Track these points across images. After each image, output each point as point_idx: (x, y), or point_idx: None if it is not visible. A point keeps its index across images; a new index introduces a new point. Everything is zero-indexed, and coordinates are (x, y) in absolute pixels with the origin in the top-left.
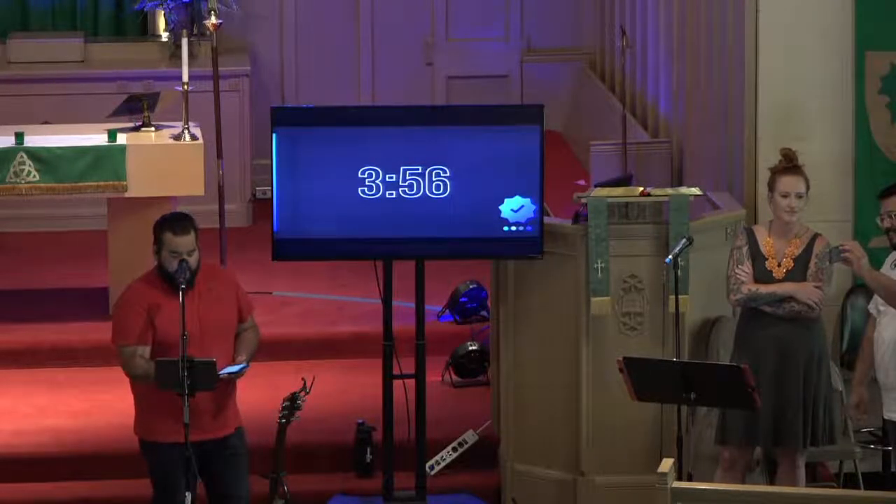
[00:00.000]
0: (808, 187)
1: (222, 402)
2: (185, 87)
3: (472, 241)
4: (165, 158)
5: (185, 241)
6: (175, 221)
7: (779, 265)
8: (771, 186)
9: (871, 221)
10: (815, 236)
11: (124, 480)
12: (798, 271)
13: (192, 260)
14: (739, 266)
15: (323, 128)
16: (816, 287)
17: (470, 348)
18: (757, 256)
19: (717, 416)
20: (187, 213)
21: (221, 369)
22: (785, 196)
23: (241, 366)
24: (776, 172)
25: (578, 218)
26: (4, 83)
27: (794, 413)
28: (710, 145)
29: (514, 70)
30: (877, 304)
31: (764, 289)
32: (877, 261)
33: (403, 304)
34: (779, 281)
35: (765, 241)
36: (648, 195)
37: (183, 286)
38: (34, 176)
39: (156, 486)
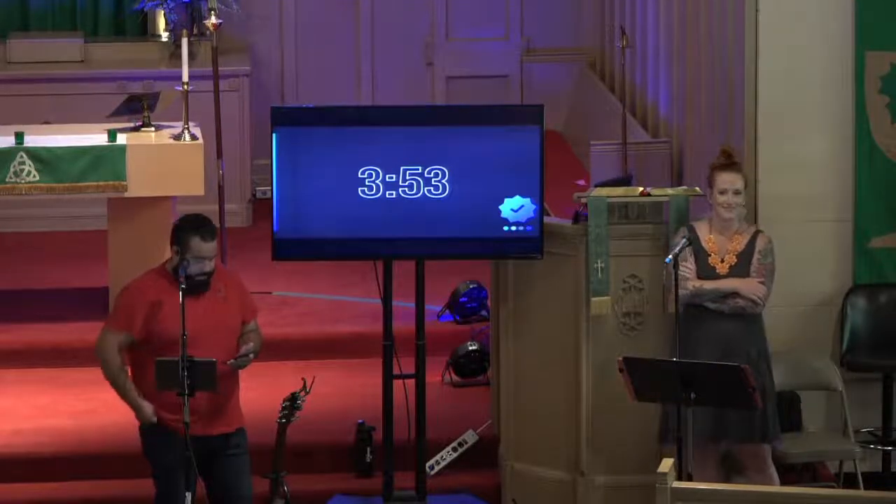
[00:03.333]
0: (747, 184)
1: (225, 399)
2: (185, 87)
3: (472, 241)
4: (165, 158)
5: (212, 247)
6: (202, 226)
7: (722, 261)
8: (710, 183)
9: (871, 221)
10: (757, 233)
11: (124, 480)
12: (741, 267)
13: (213, 264)
14: (683, 263)
15: (323, 128)
16: (760, 283)
17: (470, 348)
18: (699, 253)
19: (660, 417)
20: (207, 217)
21: (223, 370)
22: (722, 193)
23: (245, 354)
24: (714, 169)
25: (578, 218)
26: (4, 83)
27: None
28: (710, 145)
29: (514, 70)
30: None
31: (708, 285)
32: (876, 260)
33: (403, 304)
34: (722, 277)
35: (706, 238)
36: (648, 195)
37: (183, 286)
38: (34, 176)
39: (157, 476)
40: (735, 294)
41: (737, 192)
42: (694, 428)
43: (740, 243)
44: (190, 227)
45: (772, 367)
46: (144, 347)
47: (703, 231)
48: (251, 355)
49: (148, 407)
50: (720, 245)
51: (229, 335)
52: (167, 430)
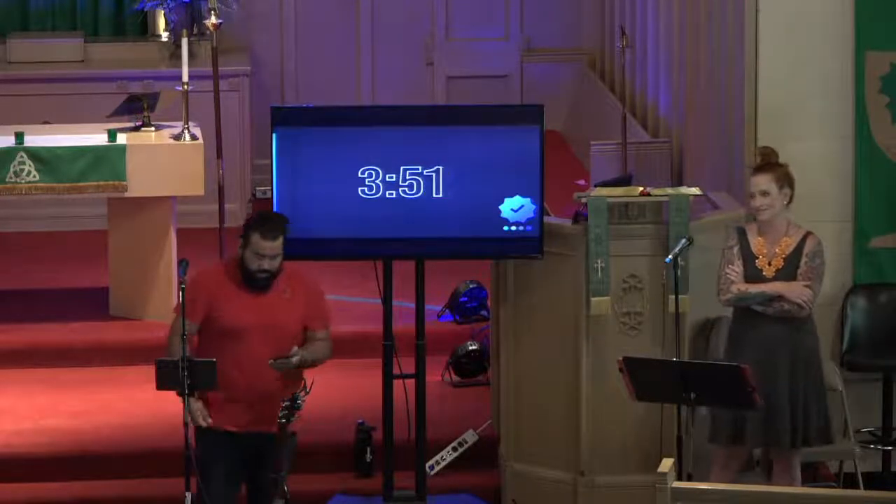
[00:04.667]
0: (783, 185)
1: (275, 398)
2: (185, 87)
3: (472, 241)
4: (165, 158)
5: (272, 246)
6: (266, 224)
7: (769, 264)
8: None
9: (871, 221)
10: (807, 235)
11: (124, 480)
12: (788, 270)
13: (275, 263)
14: (730, 266)
15: (323, 128)
16: (806, 286)
17: (470, 348)
18: (748, 256)
19: (709, 414)
20: (281, 216)
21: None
22: (752, 196)
23: (291, 357)
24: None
25: (578, 218)
26: (4, 83)
27: (781, 413)
28: (710, 145)
29: (514, 70)
30: None
31: (753, 288)
32: (876, 260)
33: (403, 304)
34: (769, 280)
35: (755, 241)
36: (648, 195)
37: (183, 286)
38: (34, 176)
39: (200, 471)
40: (780, 297)
41: (763, 194)
42: (748, 432)
43: (788, 246)
44: (255, 223)
45: (822, 371)
46: (205, 336)
47: (752, 234)
48: (294, 359)
49: (196, 409)
50: (768, 248)
51: (282, 335)
52: (212, 428)
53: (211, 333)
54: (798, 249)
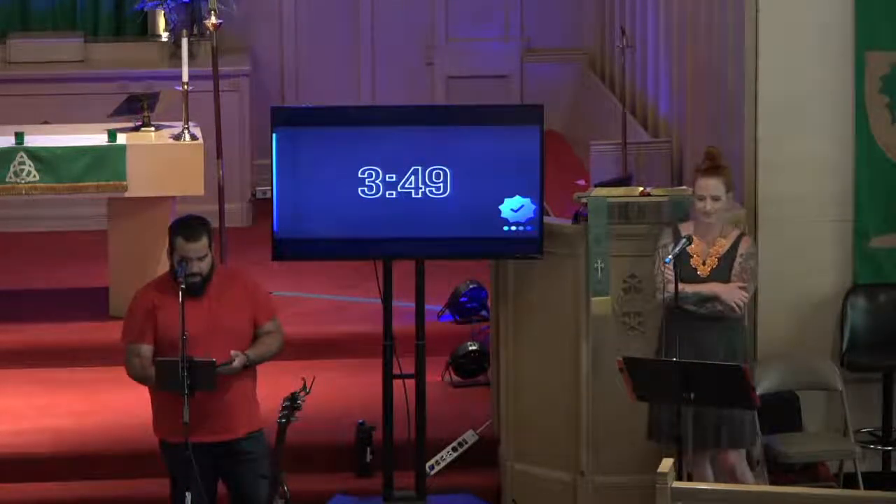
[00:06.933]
0: (730, 188)
1: (230, 405)
2: (185, 87)
3: (472, 241)
4: (165, 158)
5: (195, 248)
6: (187, 227)
7: (703, 263)
8: (693, 185)
9: (871, 221)
10: (741, 236)
11: (124, 480)
12: (723, 270)
13: (203, 265)
14: (665, 265)
15: (323, 128)
16: (742, 288)
17: (470, 348)
18: (682, 255)
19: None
20: (202, 218)
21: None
22: (701, 199)
23: (232, 362)
24: (697, 172)
25: (578, 218)
26: (4, 83)
27: (709, 413)
28: (710, 145)
29: (514, 70)
30: None
31: (689, 288)
32: (876, 260)
33: (403, 304)
34: (703, 279)
35: None
36: (648, 195)
37: (183, 286)
38: (34, 176)
39: (171, 483)
40: (715, 298)
41: (715, 199)
42: (670, 431)
43: (723, 246)
44: (176, 227)
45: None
46: (158, 355)
47: (686, 232)
48: (235, 362)
49: None
50: (703, 248)
51: (229, 337)
52: (165, 443)
53: (163, 349)
54: (732, 250)
